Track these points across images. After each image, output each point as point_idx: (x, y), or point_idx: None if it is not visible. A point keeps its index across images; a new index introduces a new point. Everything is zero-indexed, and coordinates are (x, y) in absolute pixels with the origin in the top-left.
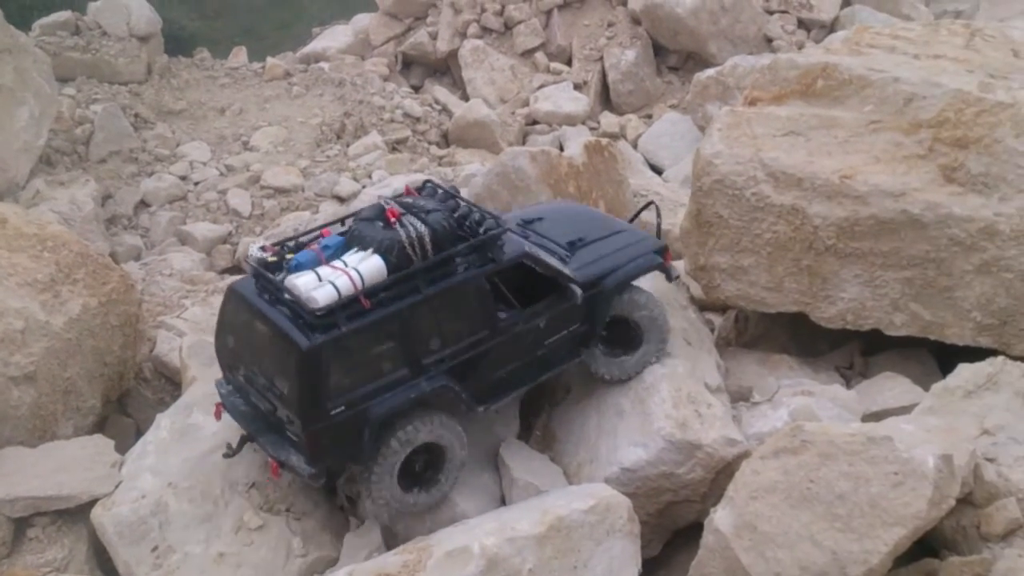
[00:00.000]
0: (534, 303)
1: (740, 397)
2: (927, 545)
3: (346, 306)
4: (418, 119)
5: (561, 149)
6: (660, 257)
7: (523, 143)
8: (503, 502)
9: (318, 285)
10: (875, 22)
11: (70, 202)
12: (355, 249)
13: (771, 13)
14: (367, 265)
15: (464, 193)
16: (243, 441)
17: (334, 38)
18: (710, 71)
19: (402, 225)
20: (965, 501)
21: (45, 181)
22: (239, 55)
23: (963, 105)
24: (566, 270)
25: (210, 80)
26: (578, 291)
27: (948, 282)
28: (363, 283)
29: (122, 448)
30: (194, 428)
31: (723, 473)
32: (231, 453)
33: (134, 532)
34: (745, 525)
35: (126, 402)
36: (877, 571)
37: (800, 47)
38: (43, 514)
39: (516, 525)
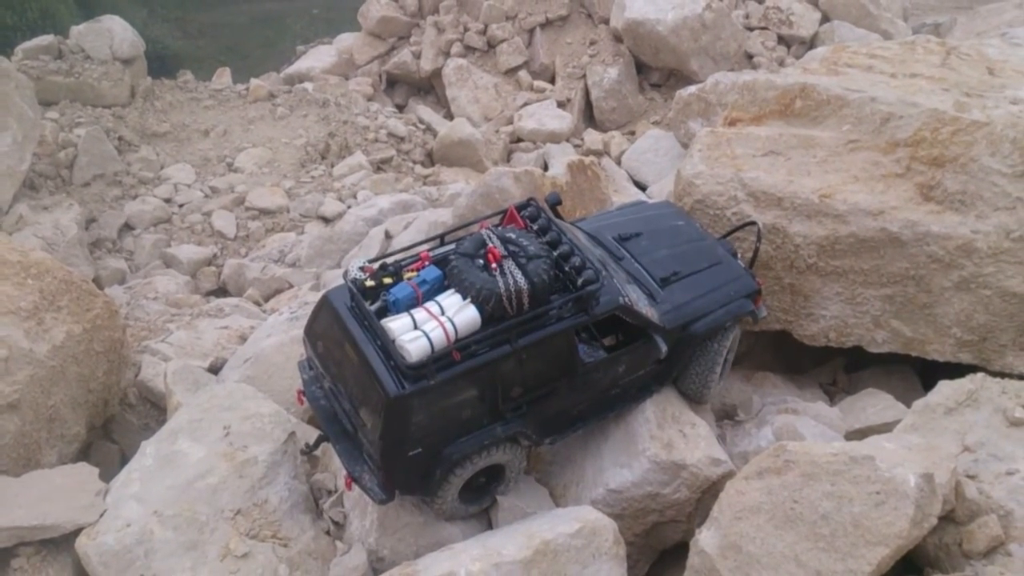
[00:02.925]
0: (619, 339)
1: (725, 415)
2: (911, 563)
3: (439, 358)
4: (402, 138)
5: (545, 166)
6: (751, 303)
7: (508, 161)
8: (490, 524)
9: (413, 336)
10: (853, 38)
11: (54, 227)
12: (452, 291)
13: (751, 30)
14: (462, 317)
15: (449, 213)
16: (319, 440)
17: (318, 58)
18: (692, 88)
19: (502, 273)
20: (947, 519)
21: (28, 206)
22: (223, 76)
23: (939, 124)
24: (654, 317)
25: (194, 102)
26: (663, 346)
27: (928, 299)
28: (456, 335)
29: (107, 474)
30: (179, 455)
31: (708, 493)
32: (308, 451)
33: (119, 561)
34: (730, 546)
35: (111, 428)
36: None
37: (780, 63)
38: (27, 544)
39: (502, 550)
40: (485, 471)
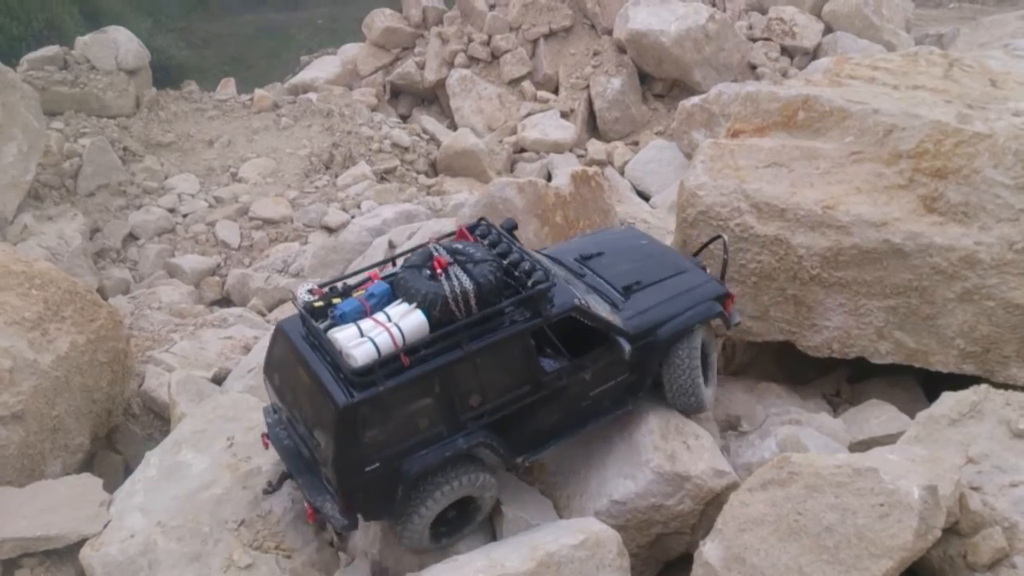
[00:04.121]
0: (584, 349)
1: (728, 426)
2: (915, 575)
3: (385, 363)
4: (406, 149)
5: (549, 177)
6: (720, 305)
7: (511, 171)
8: (493, 536)
9: (359, 342)
10: (856, 49)
11: (58, 236)
12: (400, 300)
13: (754, 40)
14: (409, 321)
15: (453, 224)
16: (283, 478)
17: (322, 68)
18: (695, 98)
19: (448, 277)
20: (951, 531)
21: (33, 216)
22: (227, 86)
23: (942, 136)
24: (616, 322)
25: (198, 112)
26: (626, 346)
27: (931, 310)
28: (404, 340)
29: (111, 484)
30: (183, 465)
31: (712, 504)
32: (271, 490)
33: (123, 572)
34: (734, 558)
35: (115, 438)
36: None
37: (783, 74)
38: (32, 555)
39: (505, 562)
40: (456, 505)
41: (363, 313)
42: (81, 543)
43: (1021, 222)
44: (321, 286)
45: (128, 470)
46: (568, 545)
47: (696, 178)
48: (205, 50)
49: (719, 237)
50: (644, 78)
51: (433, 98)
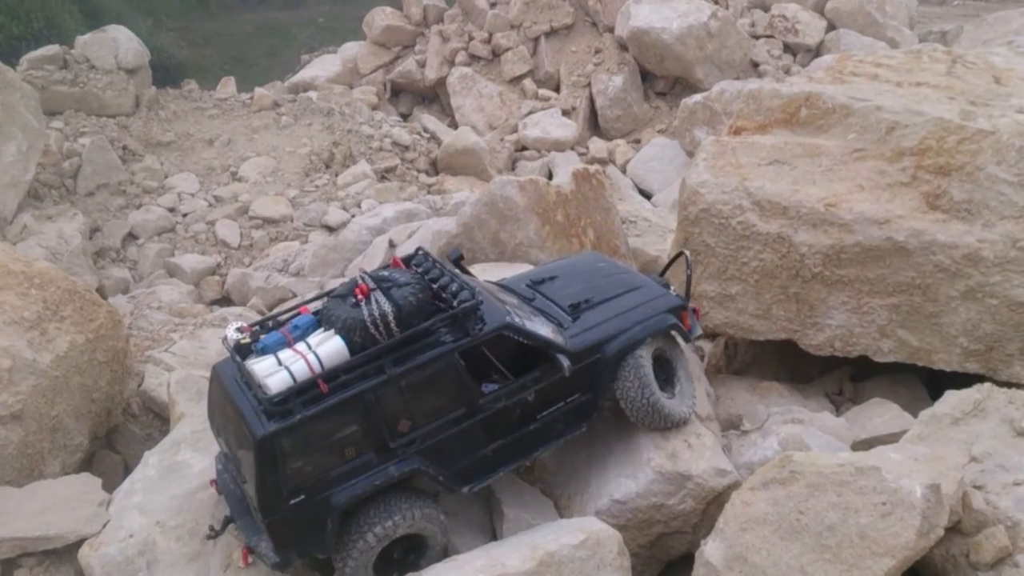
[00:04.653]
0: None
1: (730, 425)
2: (917, 574)
3: (304, 391)
4: (407, 147)
5: (550, 175)
6: (674, 317)
7: (512, 169)
8: (493, 535)
9: (274, 371)
10: (860, 46)
11: (58, 236)
12: (323, 329)
13: (757, 38)
14: (326, 348)
15: (454, 222)
16: (226, 522)
17: (322, 67)
18: (697, 96)
19: (368, 303)
20: (954, 530)
21: (33, 215)
22: (227, 85)
23: (945, 133)
24: (556, 338)
25: (198, 111)
26: (565, 362)
27: (934, 308)
28: (321, 366)
29: (111, 484)
30: (182, 465)
31: (714, 504)
32: (213, 535)
33: (122, 572)
34: (736, 557)
35: (114, 438)
36: None
37: (786, 71)
38: (30, 555)
39: (506, 561)
40: (403, 543)
41: (285, 344)
42: (80, 543)
43: None
44: (251, 324)
45: (127, 470)
46: (568, 545)
47: (698, 176)
48: (205, 49)
49: (682, 254)
50: (646, 76)
51: (434, 96)
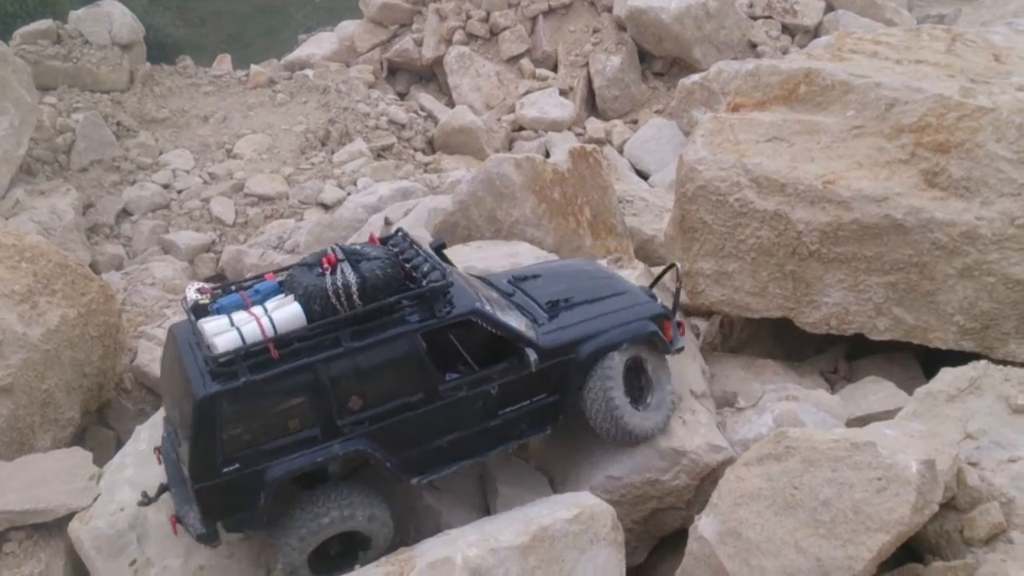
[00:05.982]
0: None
1: (725, 402)
2: (911, 550)
3: (252, 355)
4: (403, 126)
5: (547, 155)
6: (655, 324)
7: (509, 149)
8: (487, 511)
9: (224, 330)
10: (858, 27)
11: (51, 211)
12: (284, 295)
13: (755, 19)
14: (282, 312)
15: (449, 200)
16: (161, 490)
17: (319, 45)
18: (695, 76)
19: (333, 272)
20: (948, 506)
21: (25, 191)
22: (223, 62)
23: (944, 110)
24: (526, 332)
25: (193, 88)
26: (532, 356)
27: (931, 286)
28: (275, 331)
29: (103, 459)
30: None
31: (708, 480)
32: (146, 501)
33: (112, 546)
34: (730, 532)
35: (106, 413)
36: None
37: (784, 52)
38: (19, 528)
39: (499, 536)
40: (343, 539)
41: (242, 307)
42: (70, 517)
43: (1023, 197)
44: (213, 287)
45: (120, 445)
46: (562, 519)
47: (695, 152)
48: (202, 28)
49: (673, 266)
50: (644, 56)
51: (431, 75)
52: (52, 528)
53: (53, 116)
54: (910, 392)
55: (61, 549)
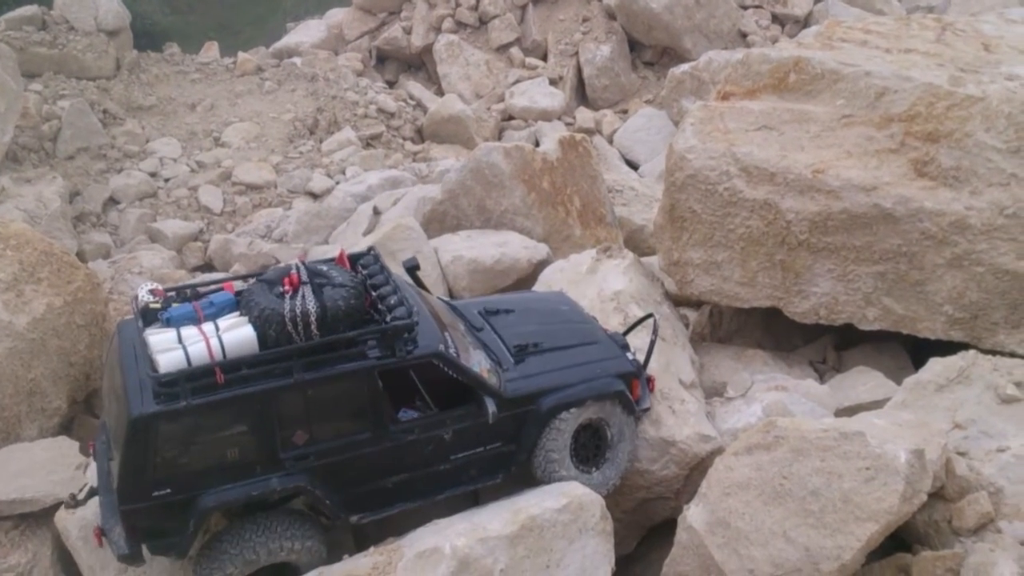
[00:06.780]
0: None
1: (714, 392)
2: (900, 540)
3: (196, 376)
4: (392, 114)
5: (537, 145)
6: (622, 383)
7: (499, 139)
8: (476, 500)
9: (171, 347)
10: (848, 16)
11: (37, 199)
12: (238, 313)
13: (745, 8)
14: (233, 335)
15: (438, 189)
16: (91, 493)
17: (307, 33)
18: (685, 66)
19: (293, 297)
20: (937, 495)
21: (11, 178)
22: (210, 50)
23: (934, 99)
24: (489, 379)
25: (180, 75)
26: (491, 406)
27: (920, 276)
28: (223, 354)
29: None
30: None
31: (697, 469)
32: (72, 504)
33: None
34: (718, 522)
35: (93, 402)
36: (850, 567)
37: (774, 42)
38: (6, 518)
39: (488, 525)
40: (274, 570)
41: (194, 320)
42: (57, 506)
43: (1012, 187)
44: (166, 289)
45: None
46: (551, 509)
47: (685, 141)
48: (190, 16)
49: (650, 315)
50: (634, 45)
51: (420, 64)
52: (39, 517)
53: (39, 103)
54: (899, 382)
55: (48, 539)
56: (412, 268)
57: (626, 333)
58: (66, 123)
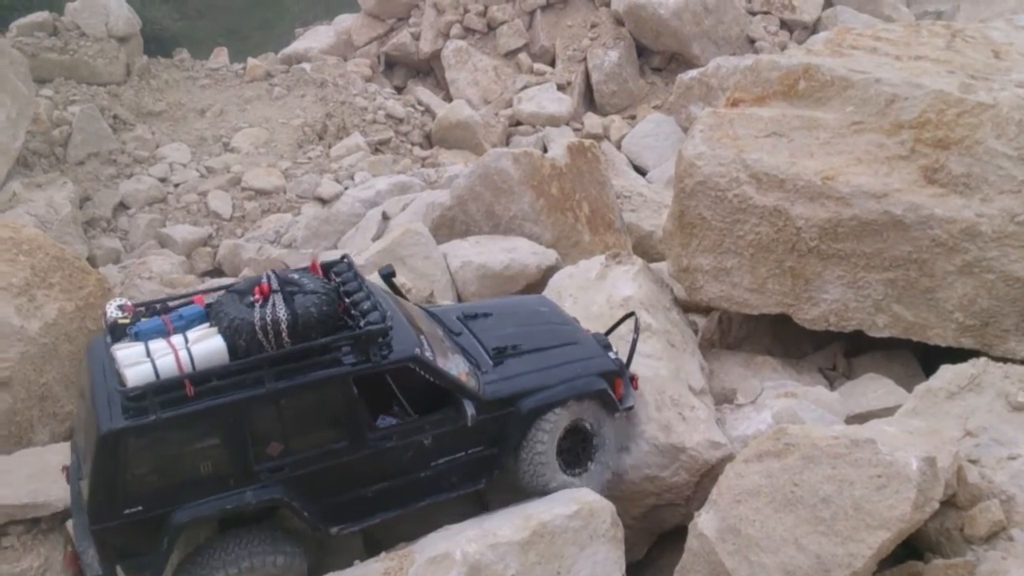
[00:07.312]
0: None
1: (724, 399)
2: (911, 548)
3: (166, 390)
4: (401, 120)
5: (545, 150)
6: (605, 381)
7: (506, 144)
8: (485, 508)
9: (138, 361)
10: (857, 23)
11: (47, 204)
12: (208, 324)
13: (754, 14)
14: (203, 346)
15: (447, 194)
16: (64, 517)
17: (316, 39)
18: (693, 72)
19: (263, 305)
20: (948, 503)
21: (22, 183)
22: (220, 55)
23: (944, 106)
24: (467, 382)
25: (190, 81)
26: (470, 409)
27: (930, 283)
28: (193, 366)
29: None
30: None
31: (707, 476)
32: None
33: None
34: (729, 529)
35: None
36: (861, 574)
37: (783, 48)
38: (18, 522)
39: (498, 531)
40: None
41: (163, 333)
42: (68, 511)
43: (1023, 194)
44: (136, 305)
45: None
46: (562, 515)
47: (695, 148)
48: (199, 21)
49: (632, 314)
50: (642, 51)
51: (428, 69)
52: (51, 522)
53: (50, 109)
54: (909, 389)
55: (59, 543)
56: (388, 276)
57: (608, 333)
58: (77, 128)
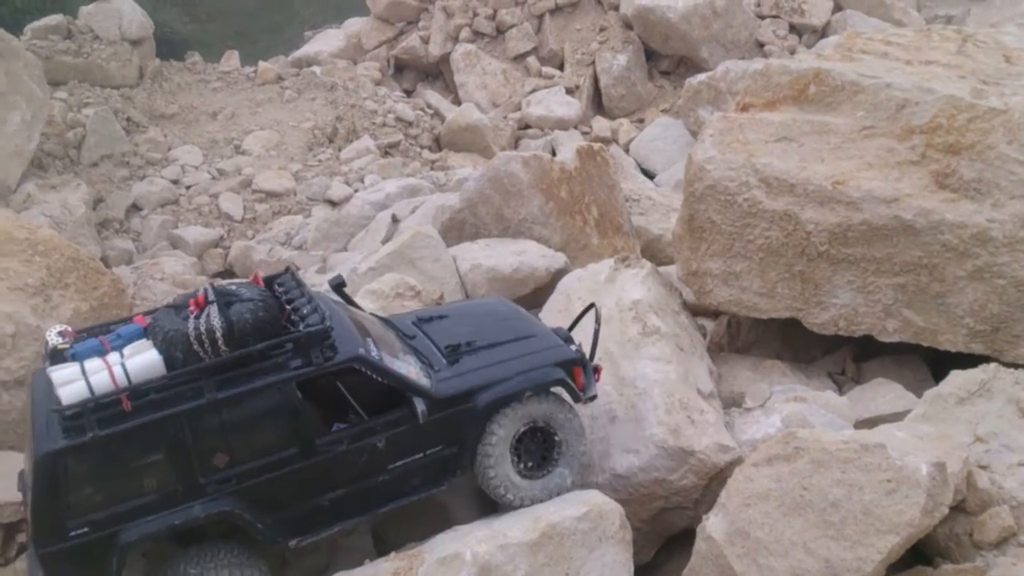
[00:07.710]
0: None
1: (732, 403)
2: (920, 553)
3: (102, 408)
4: (410, 123)
5: (553, 153)
6: (563, 371)
7: (515, 147)
8: (495, 508)
9: (73, 379)
10: (866, 27)
11: (61, 206)
12: (145, 341)
13: (763, 18)
14: (137, 361)
15: (457, 198)
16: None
17: (326, 42)
18: (702, 76)
19: (198, 316)
20: (958, 509)
21: (36, 185)
22: (231, 59)
23: (955, 111)
24: (417, 380)
25: (202, 84)
26: (420, 406)
27: (941, 288)
28: (128, 381)
29: None
30: None
31: (716, 480)
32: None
33: None
34: (738, 532)
35: None
36: None
37: (792, 52)
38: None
39: (508, 532)
40: None
41: (101, 353)
42: None
43: None
44: (77, 331)
45: None
46: (571, 517)
47: (704, 152)
48: (209, 24)
49: (592, 306)
50: (650, 55)
51: (437, 73)
52: None
53: (64, 111)
54: (919, 394)
55: None
56: (338, 286)
57: (571, 328)
58: (90, 131)
